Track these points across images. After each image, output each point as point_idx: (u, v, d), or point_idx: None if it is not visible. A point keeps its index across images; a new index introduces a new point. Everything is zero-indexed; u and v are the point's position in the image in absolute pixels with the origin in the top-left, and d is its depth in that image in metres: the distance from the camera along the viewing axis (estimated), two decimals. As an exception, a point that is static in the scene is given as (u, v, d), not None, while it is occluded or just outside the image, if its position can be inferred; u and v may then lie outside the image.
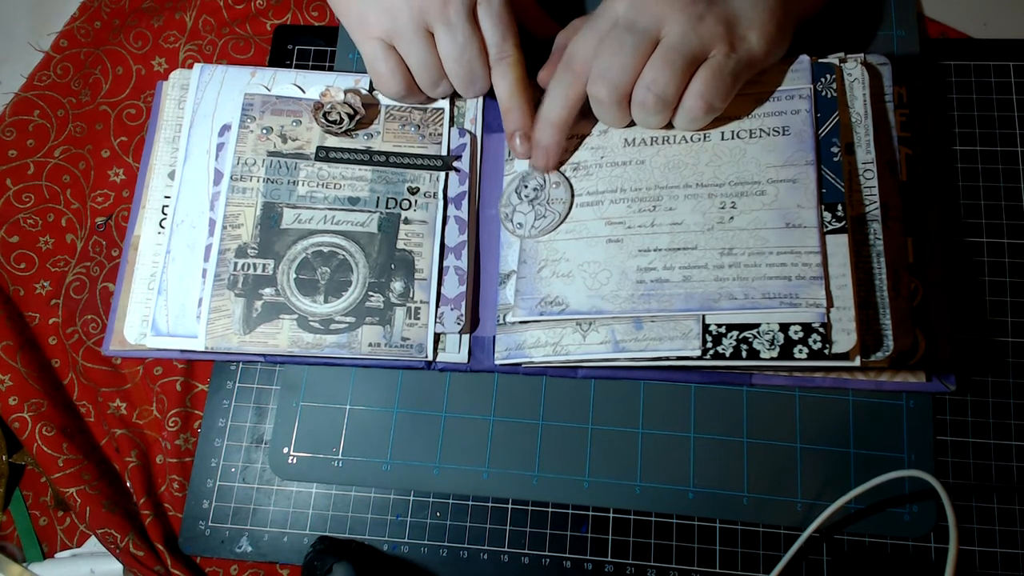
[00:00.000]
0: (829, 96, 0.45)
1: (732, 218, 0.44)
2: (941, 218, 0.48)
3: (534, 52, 0.49)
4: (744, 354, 0.42)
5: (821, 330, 0.41)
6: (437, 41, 0.46)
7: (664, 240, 0.45)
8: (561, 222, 0.47)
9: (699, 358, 0.43)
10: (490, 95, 0.49)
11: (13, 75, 0.60)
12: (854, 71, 0.46)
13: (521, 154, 0.49)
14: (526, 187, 0.49)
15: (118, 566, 0.49)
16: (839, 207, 0.43)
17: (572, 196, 0.47)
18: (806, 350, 0.41)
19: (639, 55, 0.42)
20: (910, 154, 0.48)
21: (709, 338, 0.43)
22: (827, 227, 0.43)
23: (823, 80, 0.45)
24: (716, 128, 0.46)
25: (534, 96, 0.48)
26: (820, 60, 0.46)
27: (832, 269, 0.42)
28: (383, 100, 0.51)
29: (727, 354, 0.42)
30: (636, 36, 0.42)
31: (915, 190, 0.47)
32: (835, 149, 0.44)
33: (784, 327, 0.42)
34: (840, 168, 0.44)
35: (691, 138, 0.46)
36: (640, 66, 0.42)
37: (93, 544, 0.51)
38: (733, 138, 0.46)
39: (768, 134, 0.45)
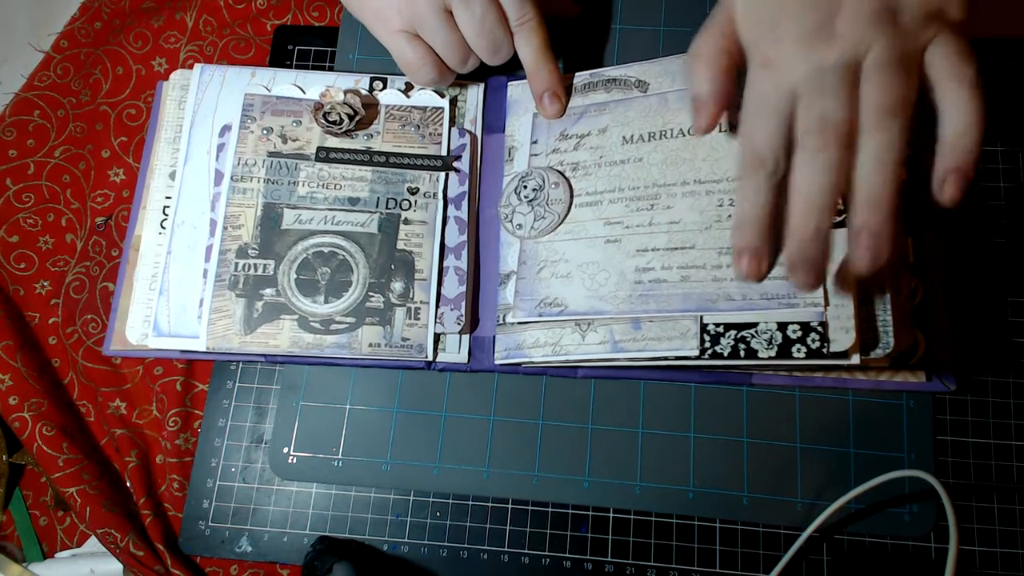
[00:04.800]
0: None
1: (730, 216, 0.43)
2: (941, 218, 0.48)
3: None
4: (742, 353, 0.42)
5: (819, 329, 0.41)
6: (457, 19, 0.45)
7: (662, 239, 0.45)
8: (560, 223, 0.47)
9: (697, 358, 0.42)
10: (500, 71, 0.50)
11: (13, 75, 0.60)
12: None
13: (552, 114, 0.49)
14: (525, 187, 0.49)
15: (118, 566, 0.49)
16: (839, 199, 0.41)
17: (571, 197, 0.47)
18: (804, 349, 0.41)
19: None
20: (911, 154, 0.47)
21: (707, 338, 0.42)
22: None
23: None
24: None
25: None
26: None
27: (831, 265, 0.40)
28: (383, 100, 0.51)
29: (725, 353, 0.42)
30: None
31: (915, 190, 0.47)
32: None
33: (782, 326, 0.41)
34: None
35: (688, 132, 0.46)
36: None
37: (93, 544, 0.51)
38: (731, 129, 0.44)
39: None
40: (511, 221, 0.49)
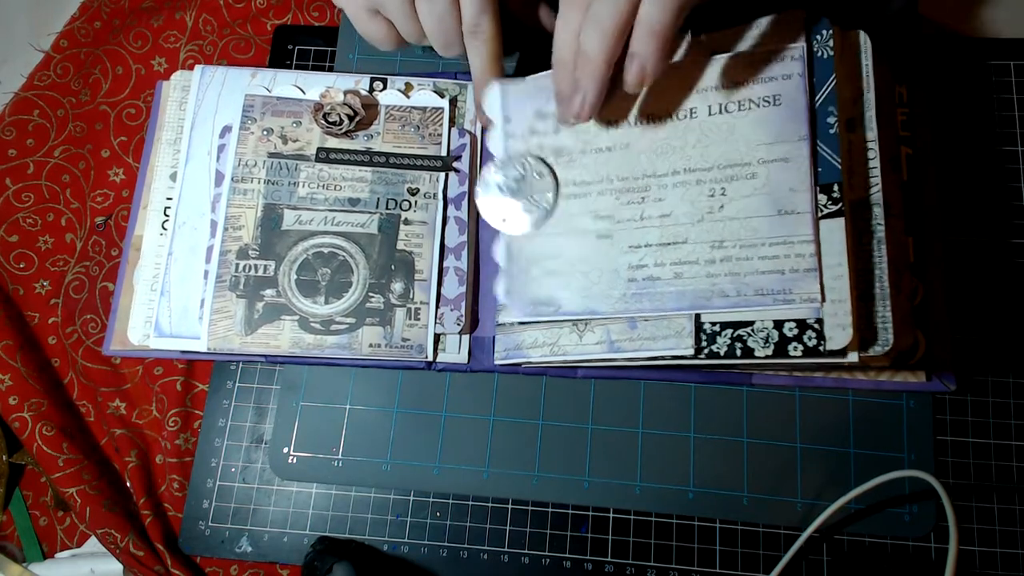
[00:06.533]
0: (825, 56, 0.40)
1: (723, 207, 0.42)
2: (941, 218, 0.48)
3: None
4: (739, 352, 0.40)
5: (816, 326, 0.39)
6: (418, 11, 0.44)
7: (654, 235, 0.43)
8: (547, 217, 0.46)
9: (694, 357, 0.41)
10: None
11: (13, 75, 0.60)
12: (856, 38, 0.42)
13: (482, 122, 0.48)
14: (505, 177, 0.46)
15: (118, 566, 0.49)
16: (835, 187, 0.39)
17: (557, 188, 0.45)
18: (801, 347, 0.39)
19: None
20: (910, 153, 0.47)
21: (703, 336, 0.41)
22: (822, 211, 0.40)
23: (818, 38, 0.41)
24: (703, 102, 0.42)
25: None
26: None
27: (827, 258, 0.39)
28: (383, 101, 0.51)
29: (721, 352, 0.41)
30: None
31: (915, 190, 0.47)
32: (832, 120, 0.40)
33: (778, 324, 0.40)
34: (837, 142, 0.40)
35: (678, 116, 0.43)
36: None
37: (93, 544, 0.51)
38: (721, 112, 0.42)
39: (758, 105, 0.41)
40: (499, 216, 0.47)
